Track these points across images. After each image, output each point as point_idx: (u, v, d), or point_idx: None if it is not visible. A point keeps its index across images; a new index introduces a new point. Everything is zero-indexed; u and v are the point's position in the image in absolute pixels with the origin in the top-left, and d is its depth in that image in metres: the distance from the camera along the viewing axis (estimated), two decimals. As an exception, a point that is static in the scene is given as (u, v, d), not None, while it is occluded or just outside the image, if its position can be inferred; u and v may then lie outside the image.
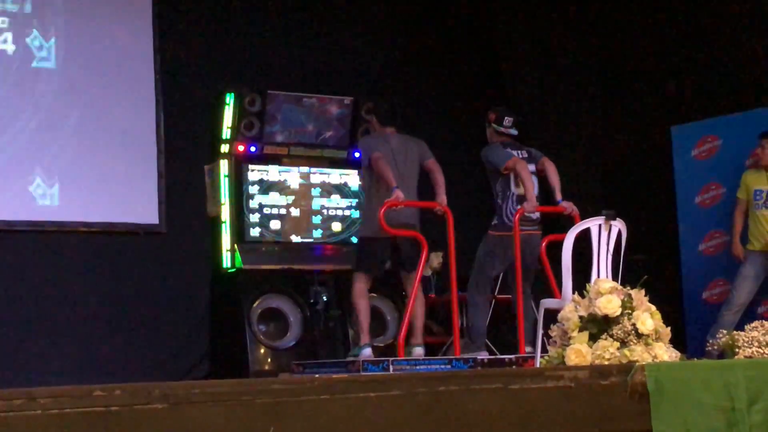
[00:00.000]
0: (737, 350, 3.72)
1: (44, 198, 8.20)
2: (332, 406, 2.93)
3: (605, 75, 9.85)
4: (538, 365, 6.51)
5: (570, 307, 3.58)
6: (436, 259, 9.13)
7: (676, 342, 3.85)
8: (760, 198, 8.20)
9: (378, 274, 7.64)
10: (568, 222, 7.54)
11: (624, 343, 3.49)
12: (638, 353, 3.45)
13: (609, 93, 9.79)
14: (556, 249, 7.03)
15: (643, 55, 9.67)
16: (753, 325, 3.86)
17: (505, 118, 7.85)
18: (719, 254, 8.80)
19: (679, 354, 3.62)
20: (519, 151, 7.80)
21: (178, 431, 2.74)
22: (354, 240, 8.58)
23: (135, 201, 8.51)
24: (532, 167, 7.73)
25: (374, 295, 8.23)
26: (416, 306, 7.46)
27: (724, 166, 8.79)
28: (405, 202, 7.26)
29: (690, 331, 8.68)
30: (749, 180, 8.28)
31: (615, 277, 6.50)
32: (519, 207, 7.50)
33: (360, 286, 7.49)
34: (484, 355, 7.47)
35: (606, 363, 3.45)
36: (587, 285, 6.20)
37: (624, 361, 3.45)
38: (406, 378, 3.05)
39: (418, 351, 7.40)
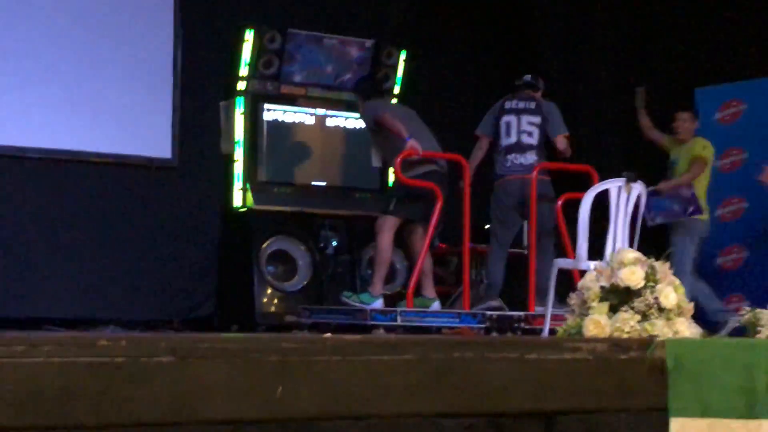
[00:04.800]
0: (759, 329, 3.63)
1: (57, 126, 8.09)
2: (343, 367, 2.84)
3: (631, 33, 9.66)
4: (547, 324, 6.47)
5: (591, 276, 3.48)
6: None
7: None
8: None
9: (414, 218, 7.50)
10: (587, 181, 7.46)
11: (645, 317, 3.39)
12: (659, 328, 3.35)
13: (634, 52, 9.61)
14: (572, 208, 6.95)
15: (670, 16, 9.47)
16: (777, 304, 3.76)
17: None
18: (736, 220, 8.69)
19: (700, 330, 3.53)
20: (516, 101, 7.78)
21: (183, 386, 2.66)
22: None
23: (148, 134, 8.42)
24: (534, 118, 7.65)
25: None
26: (425, 259, 7.38)
27: (747, 131, 8.65)
28: (425, 153, 7.20)
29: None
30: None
31: (632, 242, 6.43)
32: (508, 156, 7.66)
33: (389, 235, 7.42)
34: (495, 304, 7.35)
35: (625, 336, 3.36)
36: (606, 251, 6.17)
37: (644, 335, 3.35)
38: (420, 342, 2.95)
39: (436, 305, 7.33)
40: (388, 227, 7.39)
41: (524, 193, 7.55)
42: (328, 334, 2.92)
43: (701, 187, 8.09)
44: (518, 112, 7.74)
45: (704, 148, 8.12)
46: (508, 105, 7.78)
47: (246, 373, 2.77)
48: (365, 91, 8.07)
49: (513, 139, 7.69)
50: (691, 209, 7.90)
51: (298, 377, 2.81)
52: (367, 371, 2.87)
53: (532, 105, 7.77)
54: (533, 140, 7.68)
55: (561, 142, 7.67)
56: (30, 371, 2.52)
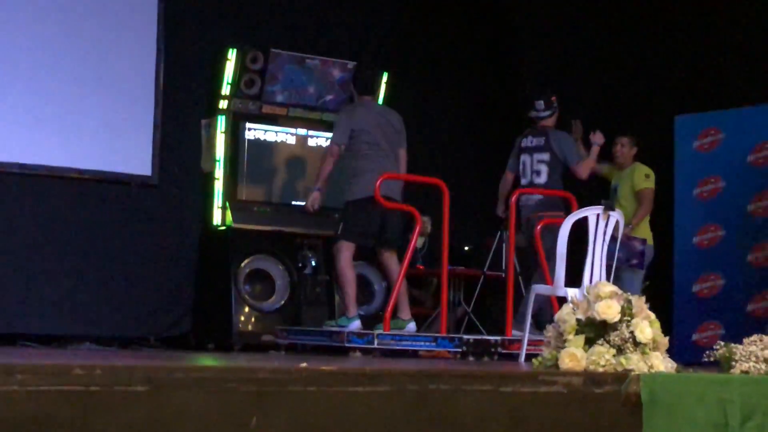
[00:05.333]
0: (734, 364, 3.64)
1: (37, 142, 8.06)
2: (319, 398, 2.85)
3: (612, 60, 9.72)
4: (524, 350, 6.48)
5: (567, 308, 3.50)
6: (428, 223, 9.05)
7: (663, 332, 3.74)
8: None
9: (366, 244, 7.54)
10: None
11: (620, 351, 3.41)
12: (634, 362, 3.37)
13: (615, 79, 9.67)
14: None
15: (650, 43, 9.54)
16: (752, 339, 3.78)
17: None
18: (712, 248, 8.73)
19: (675, 364, 3.54)
20: (531, 138, 7.99)
21: (158, 415, 2.66)
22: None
23: (129, 151, 8.39)
24: (543, 156, 7.86)
25: (361, 262, 8.18)
26: (399, 280, 7.37)
27: (725, 160, 8.70)
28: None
29: (677, 324, 8.64)
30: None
31: (609, 269, 6.45)
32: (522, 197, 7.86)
33: (346, 255, 7.40)
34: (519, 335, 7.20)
35: (601, 369, 3.37)
36: (584, 278, 6.19)
37: (619, 369, 3.37)
38: (396, 373, 2.96)
39: (411, 327, 7.32)
40: (342, 249, 7.41)
41: (529, 232, 7.72)
42: (304, 364, 2.92)
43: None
44: (531, 150, 8.00)
45: (647, 177, 8.14)
46: (523, 143, 8.05)
47: (221, 403, 2.77)
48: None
49: (527, 179, 7.98)
50: (634, 262, 7.91)
51: (274, 407, 2.81)
52: (343, 402, 2.88)
53: (542, 141, 7.98)
54: (541, 179, 7.92)
55: (579, 170, 7.89)
56: (4, 399, 2.51)
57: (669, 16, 9.46)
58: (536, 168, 7.93)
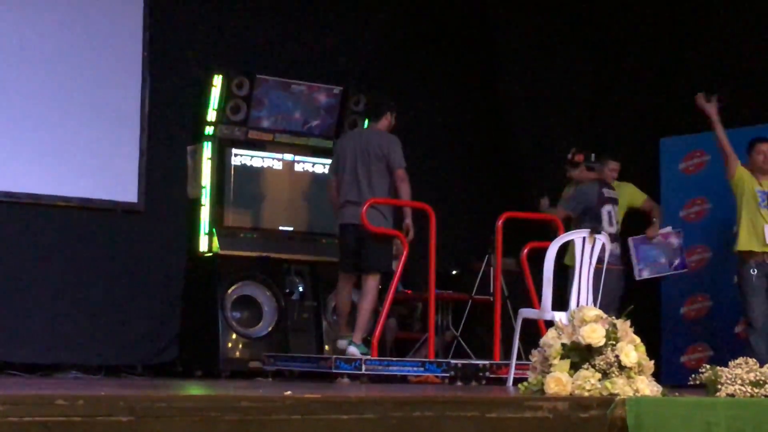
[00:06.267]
0: (720, 387, 3.64)
1: (22, 169, 8.04)
2: (303, 426, 2.83)
3: (597, 82, 9.76)
4: (512, 375, 6.47)
5: (553, 333, 3.49)
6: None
7: (650, 356, 3.73)
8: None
9: (349, 270, 7.57)
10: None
11: (606, 374, 3.41)
12: (620, 386, 3.36)
13: (600, 100, 9.71)
14: (536, 257, 6.98)
15: (635, 65, 9.58)
16: (737, 362, 3.78)
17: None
18: (700, 269, 8.74)
19: (660, 388, 3.54)
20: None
21: (141, 446, 2.64)
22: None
23: (115, 178, 8.37)
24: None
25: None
26: (363, 302, 7.39)
27: (711, 182, 8.72)
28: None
29: (665, 346, 8.64)
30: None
31: (596, 291, 6.46)
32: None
33: (338, 284, 7.56)
34: None
35: (586, 394, 3.36)
36: (570, 302, 6.20)
37: (605, 393, 3.36)
38: (380, 401, 2.95)
39: (352, 350, 7.27)
40: (339, 278, 7.62)
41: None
42: (288, 392, 2.91)
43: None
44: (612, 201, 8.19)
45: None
46: (607, 193, 8.17)
47: (204, 433, 2.74)
48: (334, 137, 8.09)
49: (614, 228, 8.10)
50: (677, 262, 7.96)
51: (257, 436, 2.79)
52: (327, 430, 2.86)
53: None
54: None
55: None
56: (-16, 431, 2.49)
57: (654, 39, 9.51)
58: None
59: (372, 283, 7.42)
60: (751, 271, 7.58)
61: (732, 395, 3.62)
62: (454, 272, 9.52)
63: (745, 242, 7.61)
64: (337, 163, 7.68)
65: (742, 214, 7.66)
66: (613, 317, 3.56)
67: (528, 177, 9.77)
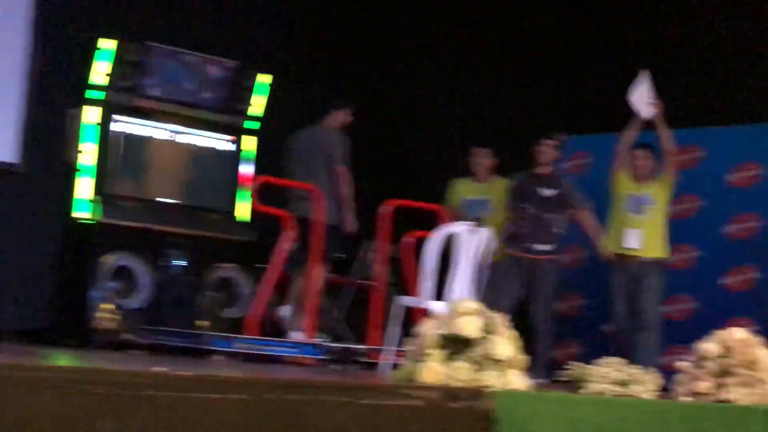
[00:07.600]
0: (585, 384, 3.70)
1: None
2: (174, 403, 2.80)
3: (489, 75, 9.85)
4: (387, 361, 6.48)
5: (430, 322, 3.52)
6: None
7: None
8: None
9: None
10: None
11: (480, 367, 3.44)
12: (492, 379, 3.40)
13: (489, 93, 9.79)
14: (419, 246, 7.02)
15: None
16: (607, 360, 3.86)
17: None
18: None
19: (531, 383, 3.59)
20: None
21: (3, 417, 2.57)
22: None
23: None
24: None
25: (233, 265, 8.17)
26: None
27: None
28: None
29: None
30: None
31: (478, 284, 6.51)
32: None
33: None
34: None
35: (459, 385, 3.40)
36: (450, 293, 6.24)
37: (476, 385, 3.40)
38: (254, 382, 2.93)
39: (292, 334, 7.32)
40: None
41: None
42: (162, 368, 2.87)
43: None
44: None
45: None
46: None
47: (72, 405, 2.69)
48: (223, 111, 7.98)
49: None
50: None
51: (126, 411, 2.75)
52: (198, 409, 2.84)
53: None
54: None
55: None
56: None
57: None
58: None
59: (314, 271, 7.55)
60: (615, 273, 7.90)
61: (600, 393, 3.69)
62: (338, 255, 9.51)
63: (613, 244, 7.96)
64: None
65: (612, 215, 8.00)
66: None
67: (418, 164, 9.83)
